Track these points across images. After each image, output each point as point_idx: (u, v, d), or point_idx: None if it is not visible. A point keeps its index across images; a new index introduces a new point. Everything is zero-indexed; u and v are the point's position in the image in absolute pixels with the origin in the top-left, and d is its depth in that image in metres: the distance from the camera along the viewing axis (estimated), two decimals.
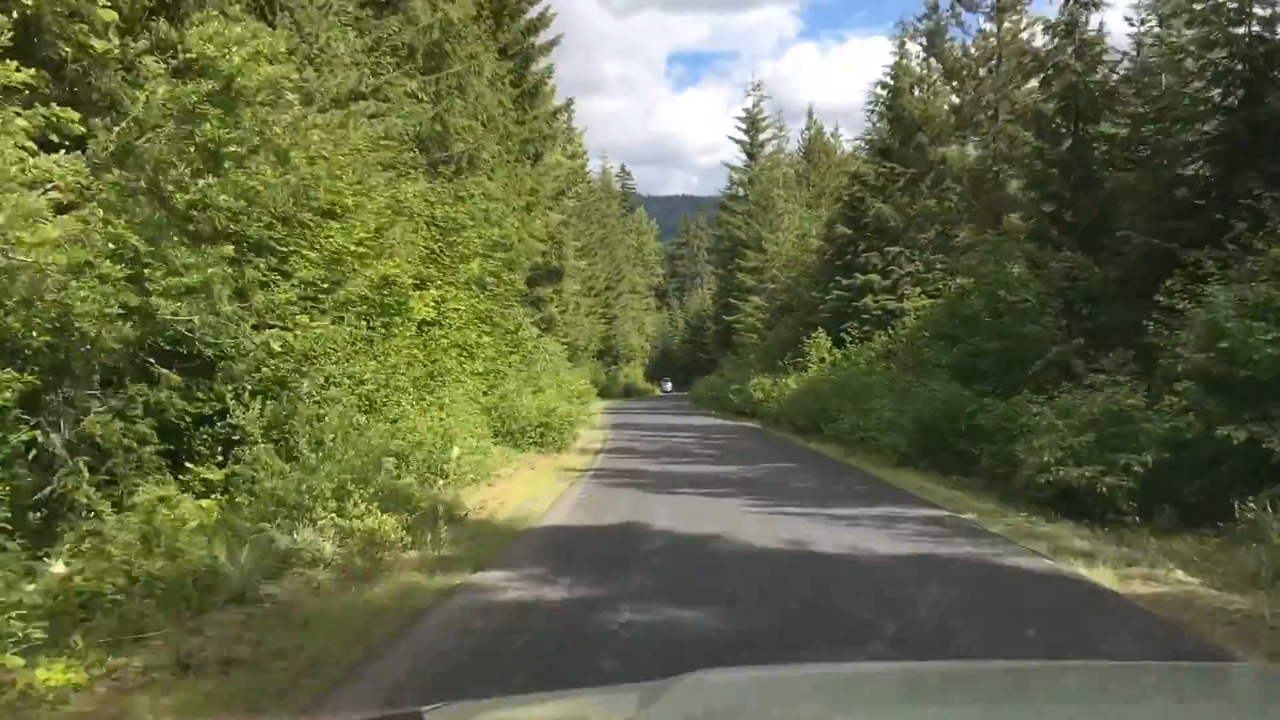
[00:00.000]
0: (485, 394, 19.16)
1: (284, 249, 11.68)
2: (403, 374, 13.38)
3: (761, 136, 53.54)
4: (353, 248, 12.88)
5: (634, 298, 71.00)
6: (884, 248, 29.56)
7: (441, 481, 11.81)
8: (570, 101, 31.49)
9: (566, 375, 30.33)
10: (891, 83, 29.56)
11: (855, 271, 29.56)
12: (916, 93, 27.60)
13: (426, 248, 17.85)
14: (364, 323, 13.10)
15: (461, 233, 18.90)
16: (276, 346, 10.79)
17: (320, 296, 12.20)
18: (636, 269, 75.30)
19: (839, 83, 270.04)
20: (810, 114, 58.33)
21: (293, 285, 11.44)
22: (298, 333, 11.20)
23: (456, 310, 18.06)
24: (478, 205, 20.31)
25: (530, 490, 13.33)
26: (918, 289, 28.52)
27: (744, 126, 54.01)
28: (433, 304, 17.51)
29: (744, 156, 53.63)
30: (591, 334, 52.64)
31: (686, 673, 1.97)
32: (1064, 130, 18.00)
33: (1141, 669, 2.95)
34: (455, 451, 12.08)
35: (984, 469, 13.34)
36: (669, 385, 74.46)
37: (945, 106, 25.16)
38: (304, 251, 12.00)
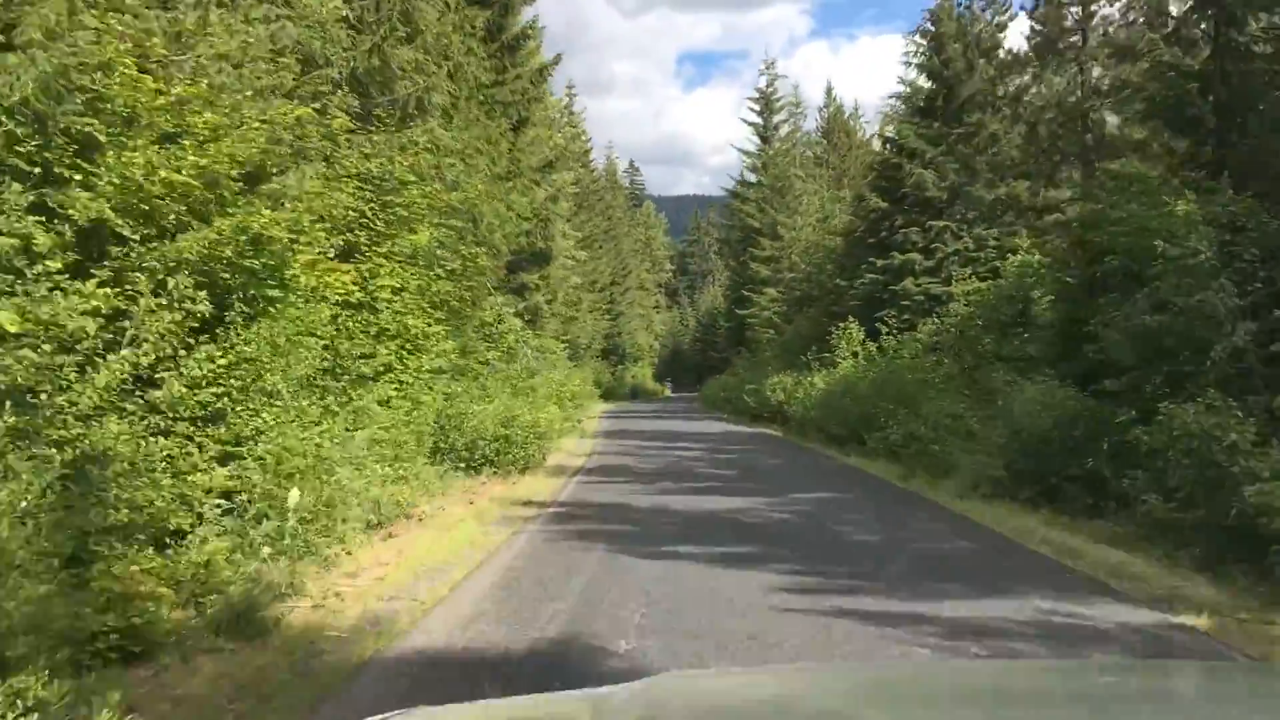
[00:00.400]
0: (443, 398, 14.25)
1: (30, 167, 6.89)
2: (272, 371, 8.40)
3: (776, 119, 48.13)
4: (178, 178, 8.05)
5: (642, 294, 65.79)
6: (926, 222, 24.41)
7: (268, 551, 6.78)
8: (559, 58, 26.25)
9: (559, 375, 25.37)
10: (932, 29, 24.40)
11: (892, 250, 24.38)
12: (973, 30, 22.34)
13: (354, 209, 13.02)
14: (204, 295, 8.17)
15: (404, 191, 13.94)
16: (9, 326, 6.07)
17: (118, 252, 7.42)
18: (644, 265, 70.09)
19: (850, 81, 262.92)
20: (829, 91, 52.66)
21: (45, 229, 6.66)
22: (61, 305, 6.42)
23: (399, 290, 13.20)
24: (426, 158, 15.30)
25: (440, 549, 8.27)
26: (967, 269, 23.40)
27: (757, 108, 48.66)
28: (358, 280, 12.74)
29: (757, 140, 48.25)
30: (594, 331, 47.62)
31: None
32: (1201, 36, 12.85)
33: (1145, 668, 2.78)
34: (294, 497, 7.04)
35: (1153, 512, 8.17)
36: (669, 385, 68.36)
37: (1007, 39, 20.00)
38: (88, 177, 7.23)
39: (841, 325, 23.89)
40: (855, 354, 23.00)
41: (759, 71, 52.37)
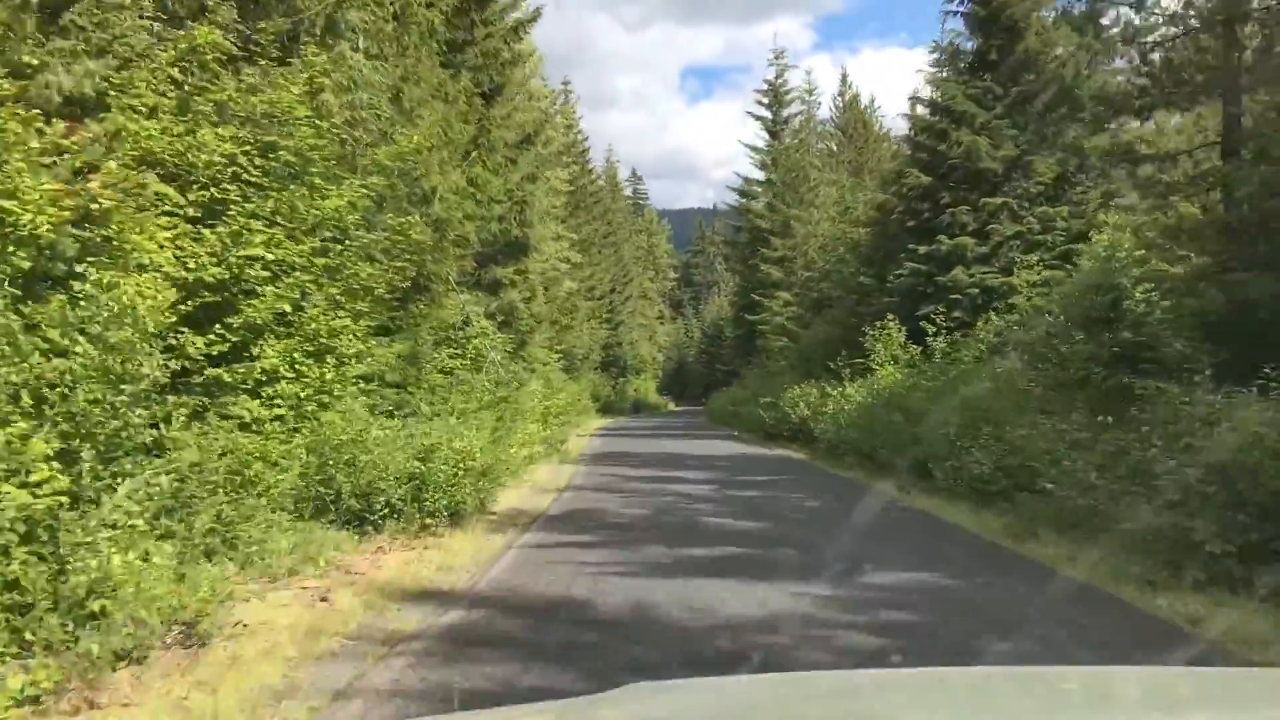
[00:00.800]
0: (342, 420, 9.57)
1: None
2: None
3: (786, 111, 43.43)
4: None
5: (644, 303, 60.96)
6: (978, 200, 19.69)
7: None
8: (538, 13, 21.62)
9: (538, 386, 20.64)
10: None
11: (939, 234, 19.63)
12: None
13: (223, 155, 8.53)
14: None
15: (295, 130, 9.36)
16: None
17: None
18: (647, 273, 65.31)
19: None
20: (845, 79, 47.78)
21: None
22: None
23: (290, 268, 8.63)
24: (328, 83, 10.69)
25: None
26: (1032, 255, 18.65)
27: (765, 100, 43.99)
28: (214, 250, 8.21)
29: (765, 135, 43.55)
30: (592, 341, 42.88)
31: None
32: None
33: (1164, 675, 2.49)
34: None
35: None
36: (669, 399, 62.79)
37: None
38: None
39: (878, 325, 19.12)
40: (896, 358, 18.26)
41: (768, 62, 47.70)
